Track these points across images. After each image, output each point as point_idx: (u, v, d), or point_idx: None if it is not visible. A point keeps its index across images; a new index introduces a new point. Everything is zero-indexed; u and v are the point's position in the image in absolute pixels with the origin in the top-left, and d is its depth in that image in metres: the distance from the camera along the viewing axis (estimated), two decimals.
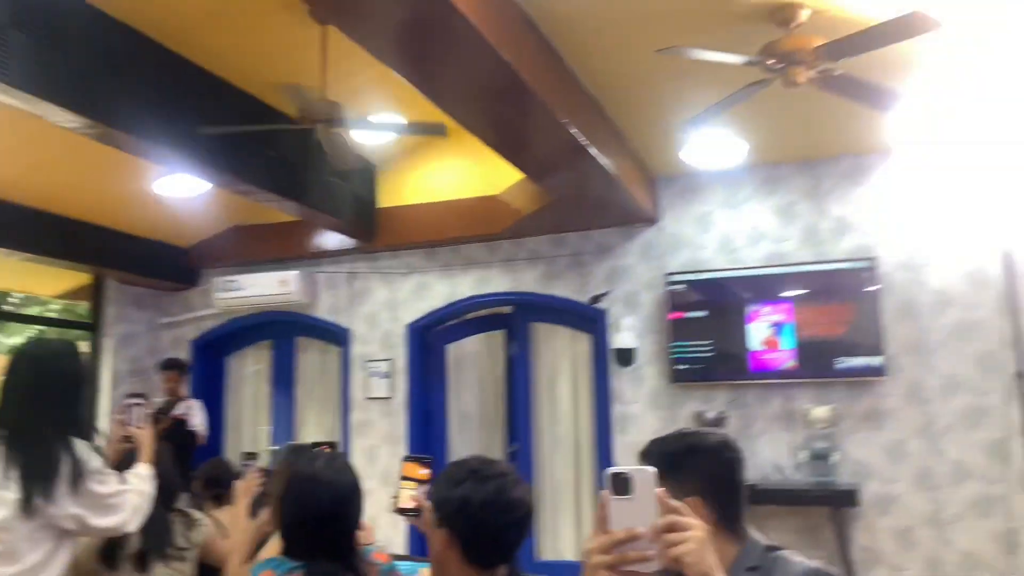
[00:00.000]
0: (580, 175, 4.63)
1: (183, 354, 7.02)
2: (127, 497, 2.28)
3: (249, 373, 7.31)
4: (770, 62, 3.30)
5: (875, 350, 4.96)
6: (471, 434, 6.51)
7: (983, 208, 4.50)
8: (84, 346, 6.58)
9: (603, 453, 5.72)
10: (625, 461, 5.50)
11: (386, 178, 6.24)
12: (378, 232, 6.24)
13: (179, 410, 5.94)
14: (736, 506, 1.53)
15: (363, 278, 6.62)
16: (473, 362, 6.61)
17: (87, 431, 2.26)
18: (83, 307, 6.91)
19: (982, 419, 4.82)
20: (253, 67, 4.55)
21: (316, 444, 2.12)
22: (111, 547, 2.52)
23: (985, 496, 4.77)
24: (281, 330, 7.08)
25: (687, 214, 5.63)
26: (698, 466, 1.52)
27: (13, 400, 2.23)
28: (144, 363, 6.89)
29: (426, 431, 6.43)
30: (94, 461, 2.21)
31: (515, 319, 6.32)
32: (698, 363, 5.36)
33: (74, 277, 6.82)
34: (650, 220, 5.64)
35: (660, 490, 1.07)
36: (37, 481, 2.08)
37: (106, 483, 2.23)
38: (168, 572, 2.63)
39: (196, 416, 6.02)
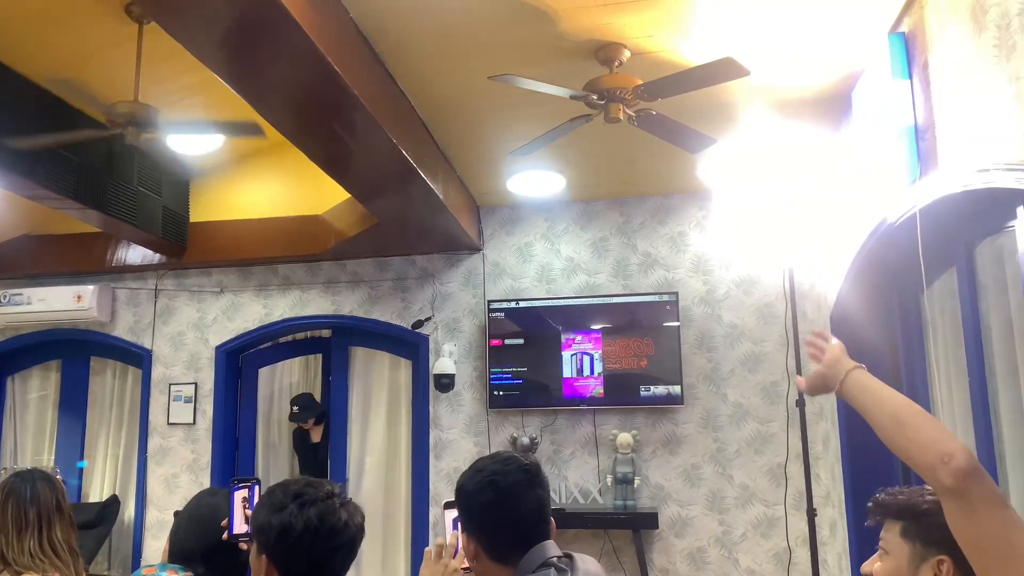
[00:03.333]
0: (408, 199, 4.51)
1: None
2: None
3: (33, 396, 6.54)
4: (593, 97, 3.36)
5: (675, 379, 5.17)
6: (282, 462, 6.17)
7: (772, 248, 4.83)
8: None
9: (419, 479, 5.56)
10: (440, 486, 5.43)
11: (201, 192, 5.82)
12: (189, 248, 5.79)
13: None
14: (502, 538, 1.60)
15: (169, 296, 6.12)
16: (287, 387, 6.27)
17: None
18: None
19: (765, 445, 5.13)
20: (59, 64, 4.06)
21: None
22: None
23: (766, 517, 5.06)
24: (73, 349, 6.40)
25: (508, 243, 5.65)
26: (463, 505, 1.65)
27: None
28: None
29: (233, 459, 6.03)
30: None
31: (334, 343, 6.05)
32: (514, 390, 5.35)
33: None
34: (474, 248, 5.62)
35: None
36: None
37: None
38: None
39: None
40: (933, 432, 1.26)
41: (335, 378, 6.00)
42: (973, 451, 3.01)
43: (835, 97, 3.86)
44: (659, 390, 5.17)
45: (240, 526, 1.87)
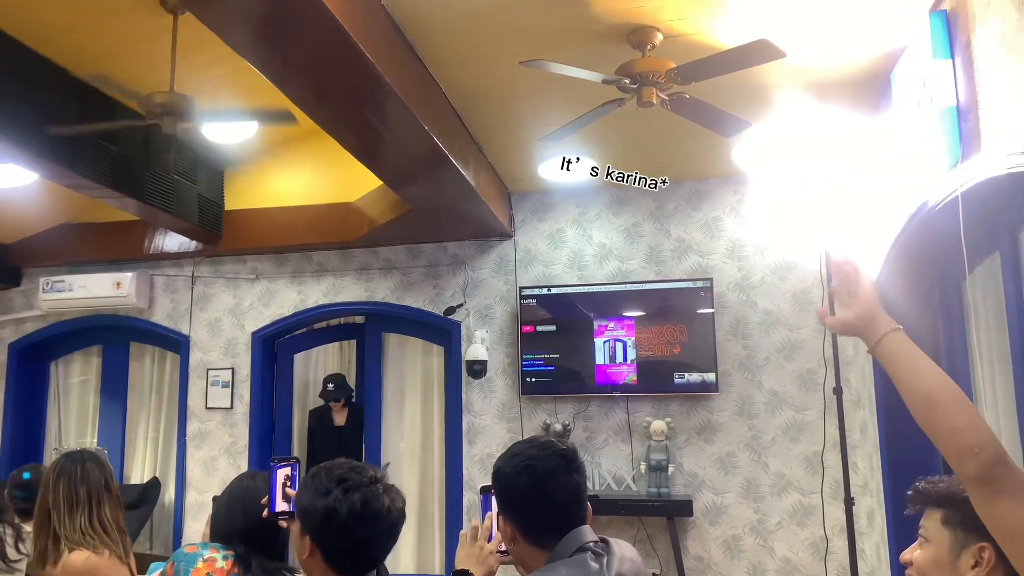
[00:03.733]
0: (439, 185, 4.51)
1: (0, 357, 6.36)
2: None
3: (76, 381, 6.69)
4: (625, 81, 3.32)
5: (709, 366, 5.12)
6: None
7: (808, 233, 4.75)
8: None
9: (453, 464, 5.60)
10: (473, 471, 5.46)
11: (236, 180, 5.88)
12: (224, 235, 5.87)
13: None
14: (538, 521, 1.62)
15: (206, 283, 6.21)
16: (322, 373, 6.31)
17: None
18: None
19: (801, 433, 5.07)
20: (96, 56, 4.13)
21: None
22: None
23: (802, 506, 5.01)
24: (113, 335, 6.54)
25: (540, 230, 5.64)
26: (500, 488, 1.66)
27: None
28: None
29: (270, 443, 6.10)
30: None
31: (367, 329, 6.09)
32: (547, 376, 5.35)
33: None
34: (505, 234, 5.61)
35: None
36: None
37: None
38: None
39: None
40: (966, 419, 1.22)
41: (369, 364, 6.06)
42: (1018, 437, 2.96)
43: (874, 78, 3.77)
44: (693, 377, 5.14)
45: (281, 504, 1.90)
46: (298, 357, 6.34)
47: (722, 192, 5.39)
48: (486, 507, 1.79)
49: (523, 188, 5.59)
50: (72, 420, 6.64)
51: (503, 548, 1.73)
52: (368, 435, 5.94)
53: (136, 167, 4.85)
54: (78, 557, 2.30)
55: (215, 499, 2.11)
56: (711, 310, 5.17)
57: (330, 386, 5.73)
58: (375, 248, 5.90)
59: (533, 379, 5.35)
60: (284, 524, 1.89)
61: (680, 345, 5.16)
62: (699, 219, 5.41)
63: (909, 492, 1.58)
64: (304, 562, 1.63)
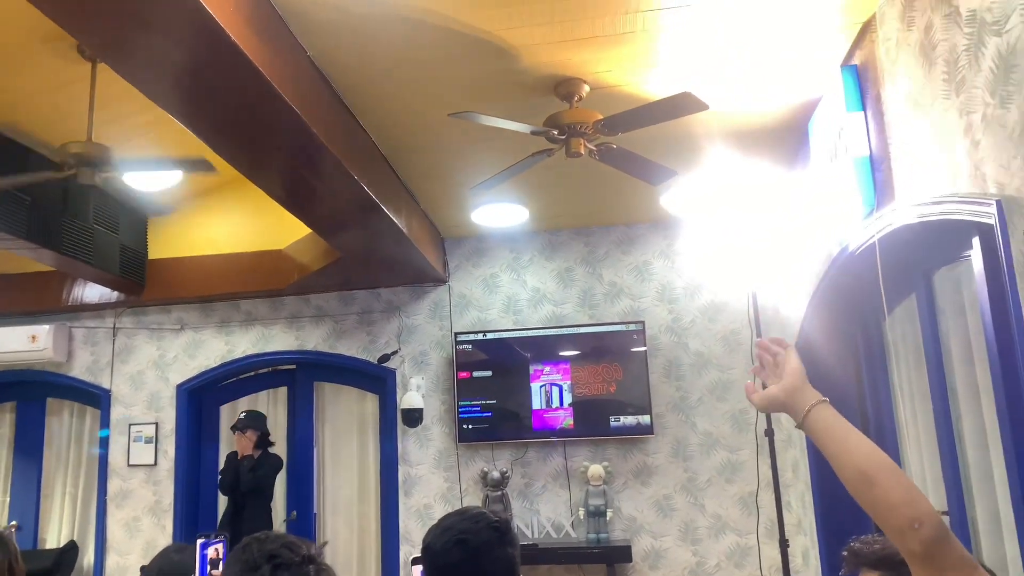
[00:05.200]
0: (371, 233, 4.47)
1: None
2: None
3: None
4: (553, 132, 3.36)
5: (644, 409, 5.15)
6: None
7: (736, 276, 4.86)
8: None
9: (389, 517, 5.46)
10: (410, 524, 5.34)
11: (161, 228, 5.73)
12: (148, 285, 5.69)
13: None
14: None
15: (128, 334, 6.00)
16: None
17: None
18: None
19: (736, 474, 5.13)
20: (9, 104, 3.99)
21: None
22: None
23: (739, 547, 5.05)
24: (28, 390, 6.24)
25: (474, 275, 5.63)
26: (430, 564, 1.64)
27: None
28: None
29: (196, 500, 5.88)
30: None
31: (299, 378, 5.96)
32: (484, 423, 5.30)
33: None
34: (439, 280, 5.59)
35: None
36: None
37: None
38: None
39: None
40: (903, 492, 1.19)
41: (300, 414, 5.92)
42: (939, 469, 3.03)
43: (792, 128, 3.91)
44: (629, 420, 5.16)
45: None
46: (225, 408, 6.14)
47: (652, 236, 5.49)
48: None
49: (457, 233, 5.59)
50: None
51: None
52: (299, 485, 5.77)
53: (53, 217, 4.67)
54: None
55: (143, 569, 2.00)
56: (644, 349, 5.22)
57: (242, 415, 5.33)
58: (306, 295, 5.80)
59: (470, 426, 5.30)
60: None
61: (616, 385, 5.19)
62: (630, 263, 5.49)
63: (844, 552, 1.59)
64: None
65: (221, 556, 1.85)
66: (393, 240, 4.61)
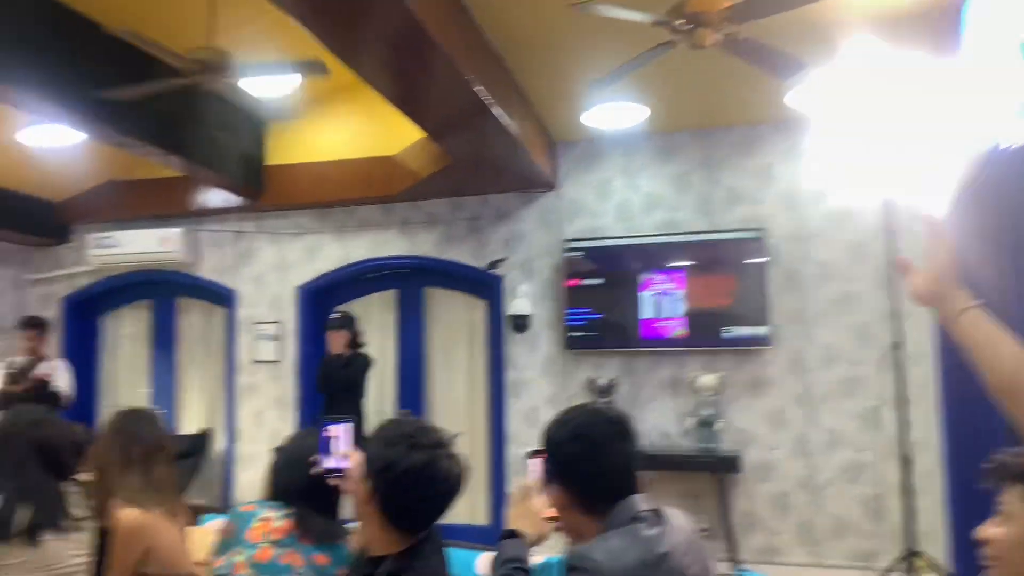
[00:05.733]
0: (482, 136, 4.40)
1: (53, 312, 6.53)
2: None
3: (126, 334, 6.82)
4: (678, 23, 3.14)
5: (761, 320, 4.97)
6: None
7: (868, 179, 4.53)
8: None
9: (496, 418, 5.57)
10: (517, 426, 5.43)
11: (277, 135, 5.83)
12: (267, 191, 5.85)
13: (41, 370, 5.41)
14: (590, 490, 1.58)
15: (250, 238, 6.22)
16: (366, 322, 6.24)
17: None
18: None
19: (856, 389, 4.91)
20: (135, 14, 4.06)
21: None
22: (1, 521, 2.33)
23: (855, 463, 4.88)
24: (161, 290, 6.63)
25: (586, 180, 5.48)
26: (550, 456, 1.62)
27: None
28: (7, 321, 6.25)
29: (316, 395, 6.06)
30: None
31: (410, 282, 6.06)
32: (592, 330, 5.25)
33: None
34: (549, 185, 5.48)
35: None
36: None
37: None
38: (68, 545, 2.42)
39: (60, 377, 5.51)
40: None
41: (410, 318, 6.05)
42: None
43: (945, 9, 3.51)
44: (744, 331, 5.00)
45: (331, 462, 1.89)
46: (348, 306, 6.29)
47: (775, 138, 5.17)
48: (534, 471, 1.75)
49: (569, 137, 5.43)
50: (124, 373, 6.78)
51: (551, 516, 1.70)
52: (409, 387, 5.96)
53: (178, 124, 4.82)
54: (128, 514, 2.32)
55: (276, 451, 2.10)
56: (763, 261, 4.99)
57: (334, 315, 5.38)
58: (417, 202, 5.82)
59: (578, 333, 5.26)
60: (334, 483, 1.88)
61: (731, 298, 5.02)
62: (751, 166, 5.20)
63: (987, 465, 1.45)
64: (361, 508, 1.68)
65: (339, 435, 1.90)
66: (504, 144, 4.52)
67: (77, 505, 2.52)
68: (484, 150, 4.67)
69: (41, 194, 6.29)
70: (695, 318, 5.07)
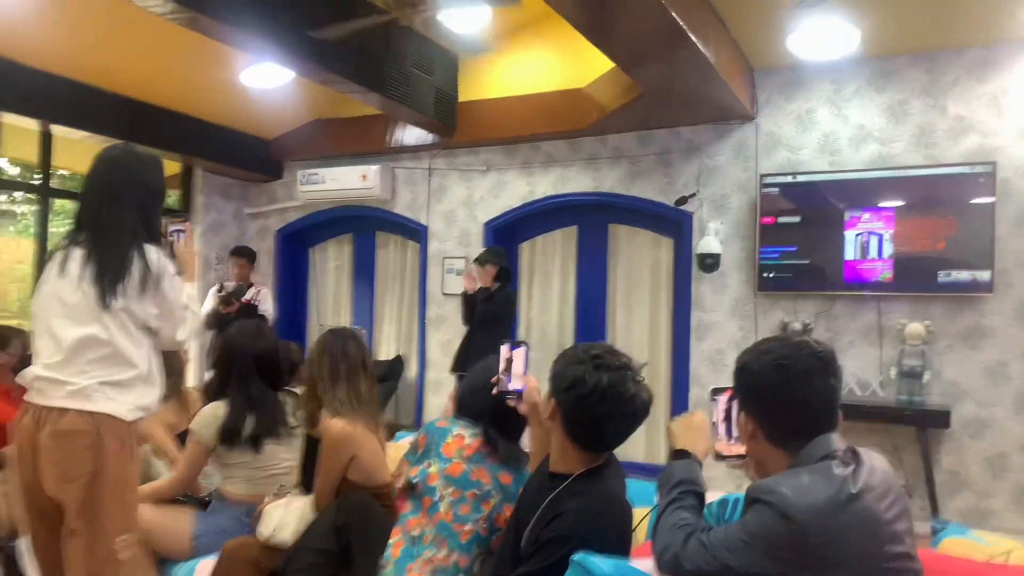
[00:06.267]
0: (675, 65, 4.19)
1: (268, 244, 7.10)
2: (188, 315, 2.26)
3: (331, 266, 7.28)
4: None
5: (983, 264, 4.44)
6: (542, 333, 6.29)
7: None
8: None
9: (680, 359, 5.44)
10: (701, 368, 5.27)
11: (469, 70, 5.88)
12: (458, 127, 5.95)
13: (249, 295, 5.88)
14: (784, 422, 1.50)
15: (441, 175, 6.38)
16: (544, 261, 6.33)
17: (160, 241, 2.25)
18: (174, 195, 6.90)
19: None
20: None
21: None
22: (230, 429, 2.61)
23: None
24: (361, 224, 7.00)
25: (786, 111, 5.10)
26: (744, 384, 1.56)
27: (93, 202, 2.18)
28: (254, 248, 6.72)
29: None
30: (169, 266, 2.19)
31: (593, 218, 6.00)
32: (787, 271, 4.95)
33: (166, 166, 6.82)
34: (746, 117, 5.15)
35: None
36: (109, 279, 2.08)
37: (176, 290, 2.20)
38: (281, 449, 2.72)
39: (265, 301, 5.95)
40: None
41: (593, 256, 6.00)
42: None
43: None
44: (962, 276, 4.49)
45: (509, 384, 1.96)
46: (524, 246, 6.40)
47: (1016, 60, 4.51)
48: (715, 408, 1.73)
49: (768, 64, 5.05)
50: (329, 300, 7.26)
51: (736, 452, 1.67)
52: (589, 324, 5.95)
53: (378, 61, 4.97)
54: (336, 424, 2.45)
55: (462, 376, 2.19)
56: (991, 199, 4.43)
57: (483, 251, 5.45)
58: (604, 136, 5.69)
59: (771, 274, 4.98)
60: (512, 403, 1.95)
61: (947, 240, 4.51)
62: (984, 92, 4.59)
63: None
64: (545, 426, 1.76)
65: (516, 358, 1.99)
66: (699, 72, 4.28)
67: (290, 414, 2.77)
68: (677, 80, 4.45)
69: (257, 132, 6.74)
70: (904, 261, 4.62)
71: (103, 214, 2.14)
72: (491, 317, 5.12)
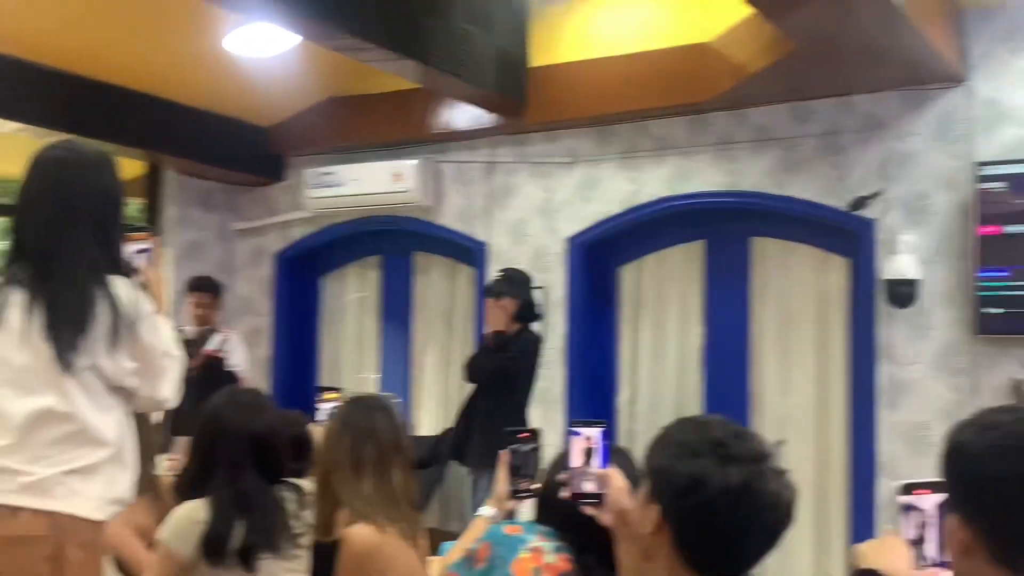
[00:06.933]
0: (844, 7, 4.14)
1: (265, 271, 7.23)
2: (170, 362, 2.37)
3: (350, 302, 7.37)
4: None
5: None
6: (654, 397, 6.27)
7: None
8: None
9: (861, 436, 5.33)
10: (894, 448, 5.08)
11: (544, 25, 5.92)
12: (530, 103, 5.94)
13: (213, 344, 5.99)
14: (1019, 532, 1.45)
15: (507, 171, 6.41)
16: (656, 291, 6.29)
17: (125, 269, 2.33)
18: (134, 206, 7.00)
19: None
20: None
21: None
22: (214, 540, 2.62)
23: None
24: (394, 243, 7.08)
25: (1015, 68, 4.97)
26: (958, 473, 1.52)
27: (33, 223, 2.26)
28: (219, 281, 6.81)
29: (592, 389, 6.26)
30: (144, 303, 2.27)
31: (727, 228, 5.96)
32: (1020, 305, 4.80)
33: (124, 166, 6.94)
34: (952, 79, 5.04)
35: None
36: (67, 331, 2.15)
37: (156, 332, 2.29)
38: (283, 567, 2.72)
39: (236, 352, 6.07)
40: None
41: (726, 281, 5.97)
42: None
43: None
44: None
45: (583, 483, 1.99)
46: (627, 270, 6.37)
47: None
48: (909, 516, 1.77)
49: (986, 3, 4.95)
50: (347, 352, 7.32)
51: (942, 560, 1.69)
52: (724, 381, 5.89)
53: (415, 17, 4.98)
54: (359, 533, 2.48)
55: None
56: None
57: (497, 275, 5.44)
58: (742, 110, 5.65)
59: (997, 309, 4.86)
60: (590, 511, 1.96)
61: None
62: None
63: None
64: (643, 541, 1.70)
65: (593, 444, 2.02)
66: (879, 17, 4.21)
67: (294, 516, 2.76)
68: (847, 28, 4.38)
69: (249, 118, 6.85)
70: None
71: (48, 239, 2.21)
72: (503, 374, 5.12)
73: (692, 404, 6.03)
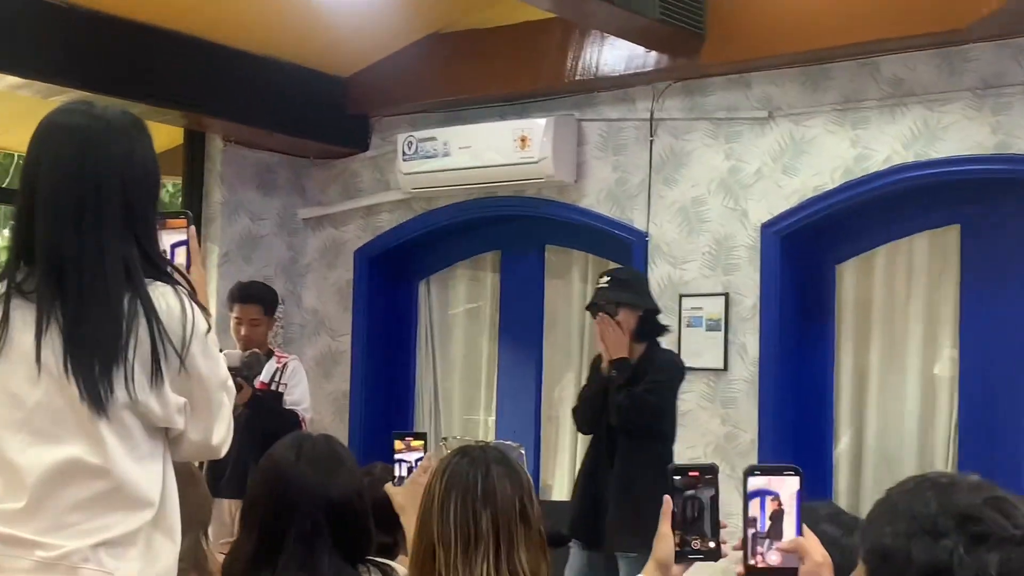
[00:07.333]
0: None
1: (343, 273, 7.11)
2: (226, 399, 2.36)
3: (460, 311, 7.25)
4: None
5: None
6: (886, 444, 6.14)
7: None
8: None
9: None
10: None
11: None
12: (709, 38, 5.84)
13: (267, 372, 5.86)
14: None
15: (675, 130, 6.18)
16: (891, 295, 6.17)
17: (169, 272, 2.27)
18: (167, 187, 7.02)
19: None
20: None
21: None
22: None
23: None
24: (518, 233, 6.94)
25: None
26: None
27: (44, 215, 2.19)
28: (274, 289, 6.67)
29: (798, 435, 6.12)
30: (199, 319, 2.23)
31: (992, 209, 5.83)
32: None
33: (155, 133, 6.95)
34: None
35: None
36: (101, 359, 2.10)
37: (212, 359, 2.28)
38: None
39: (297, 384, 5.89)
40: None
41: (998, 285, 5.76)
42: None
43: None
44: None
45: (768, 553, 2.03)
46: (845, 268, 6.26)
47: None
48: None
49: None
50: (455, 379, 7.12)
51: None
52: (993, 425, 5.68)
53: None
54: None
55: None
56: None
57: (603, 281, 5.18)
58: (1012, 40, 5.40)
59: None
60: None
61: None
62: None
63: None
64: None
65: (783, 501, 2.03)
66: None
67: None
68: None
69: (321, 65, 6.75)
70: None
71: (65, 236, 2.16)
72: (650, 415, 4.89)
73: (941, 454, 5.93)
